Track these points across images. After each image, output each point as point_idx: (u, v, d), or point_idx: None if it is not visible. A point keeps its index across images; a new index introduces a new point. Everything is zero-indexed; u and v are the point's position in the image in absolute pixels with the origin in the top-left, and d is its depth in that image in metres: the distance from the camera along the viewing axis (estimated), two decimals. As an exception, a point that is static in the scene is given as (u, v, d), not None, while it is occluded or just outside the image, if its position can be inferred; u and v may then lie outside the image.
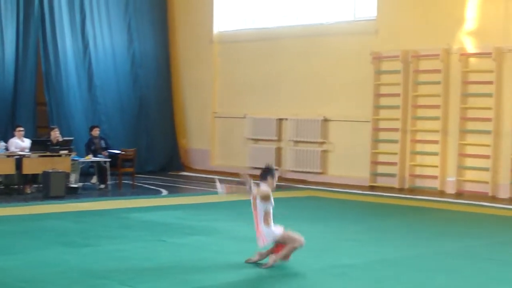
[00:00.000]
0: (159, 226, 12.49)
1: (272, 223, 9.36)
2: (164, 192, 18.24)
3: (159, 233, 11.72)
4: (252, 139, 23.20)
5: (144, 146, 23.47)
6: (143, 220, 13.09)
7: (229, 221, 13.32)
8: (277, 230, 9.32)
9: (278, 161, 22.50)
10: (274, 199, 16.97)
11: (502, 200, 17.91)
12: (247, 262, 9.36)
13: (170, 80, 24.96)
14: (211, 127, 24.45)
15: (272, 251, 9.35)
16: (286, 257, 9.26)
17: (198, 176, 22.69)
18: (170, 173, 23.40)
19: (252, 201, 9.46)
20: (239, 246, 10.81)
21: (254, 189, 9.33)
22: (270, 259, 9.23)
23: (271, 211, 9.41)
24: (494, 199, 18.12)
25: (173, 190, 18.91)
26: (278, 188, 19.49)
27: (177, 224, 12.75)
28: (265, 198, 9.27)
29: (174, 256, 9.88)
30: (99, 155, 18.53)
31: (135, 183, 19.06)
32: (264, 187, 9.36)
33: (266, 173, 9.72)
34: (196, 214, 14.16)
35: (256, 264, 9.26)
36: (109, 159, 18.46)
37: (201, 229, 12.22)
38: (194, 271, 8.93)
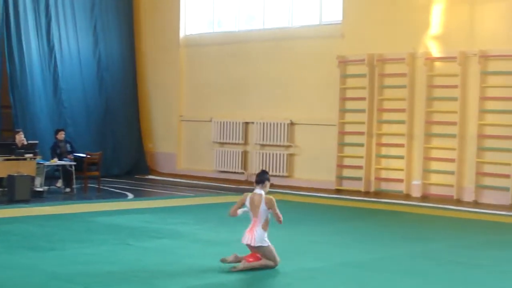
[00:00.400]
0: (124, 229, 12.42)
1: (267, 231, 9.30)
2: (130, 195, 18.15)
3: (125, 236, 11.66)
4: (219, 143, 23.17)
5: (110, 149, 23.34)
6: (109, 224, 13.01)
7: (194, 224, 13.28)
8: (267, 240, 9.26)
9: (245, 165, 22.51)
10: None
11: (466, 203, 18.04)
12: (222, 261, 9.33)
13: (136, 84, 24.85)
14: (177, 131, 24.40)
15: (246, 257, 9.31)
16: (254, 269, 9.23)
17: (165, 180, 22.62)
18: (136, 176, 23.30)
19: (249, 204, 9.29)
20: (205, 249, 10.80)
21: (258, 196, 9.35)
22: (241, 264, 9.21)
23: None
24: (459, 202, 18.25)
25: (139, 194, 18.83)
26: (245, 191, 19.50)
27: (143, 227, 12.68)
28: (271, 205, 9.32)
29: (140, 259, 9.83)
30: (64, 159, 18.41)
31: (101, 187, 18.93)
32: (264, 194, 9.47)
33: (263, 177, 9.74)
34: (162, 217, 14.10)
35: (228, 264, 9.25)
36: (74, 163, 18.33)
37: (167, 233, 12.18)
38: (160, 274, 8.89)
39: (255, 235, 9.24)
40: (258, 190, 9.58)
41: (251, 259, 9.25)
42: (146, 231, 12.32)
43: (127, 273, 8.90)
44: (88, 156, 18.72)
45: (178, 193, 19.31)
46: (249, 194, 9.53)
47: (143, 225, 12.98)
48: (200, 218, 14.11)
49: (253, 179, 21.79)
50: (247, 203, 9.49)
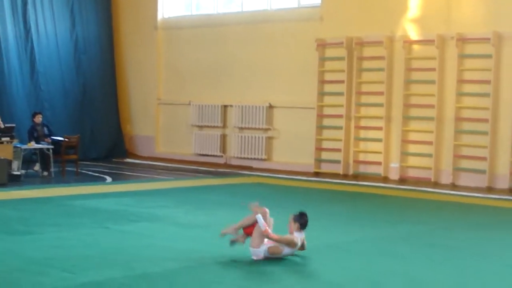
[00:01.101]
0: (103, 213, 12.38)
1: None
2: (108, 179, 18.09)
3: (103, 220, 11.62)
4: (197, 126, 23.14)
5: (88, 133, 23.25)
6: (87, 208, 12.96)
7: (173, 207, 13.27)
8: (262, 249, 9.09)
9: (223, 148, 22.50)
10: (219, 186, 17.03)
11: (444, 186, 18.17)
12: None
13: (114, 67, 24.73)
14: (155, 114, 24.33)
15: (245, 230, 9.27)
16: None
17: (143, 163, 22.58)
18: (114, 160, 23.25)
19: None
20: (183, 232, 10.79)
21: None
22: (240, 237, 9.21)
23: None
24: (436, 184, 18.37)
25: (117, 177, 18.78)
26: (224, 175, 19.56)
27: (121, 211, 12.65)
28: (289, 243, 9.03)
29: (118, 243, 9.81)
30: (41, 142, 18.30)
31: (79, 170, 18.87)
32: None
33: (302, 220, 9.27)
34: (141, 201, 14.08)
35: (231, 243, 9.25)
36: (52, 146, 18.23)
37: (146, 216, 12.16)
38: (138, 258, 8.87)
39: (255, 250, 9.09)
40: (298, 234, 9.15)
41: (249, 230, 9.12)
42: (125, 214, 12.29)
43: (105, 257, 8.87)
44: (66, 139, 18.64)
45: (157, 176, 19.29)
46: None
47: (121, 208, 12.95)
48: (178, 201, 14.10)
49: (232, 162, 21.92)
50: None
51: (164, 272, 8.19)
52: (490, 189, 17.64)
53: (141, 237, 10.31)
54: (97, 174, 19.02)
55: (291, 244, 8.91)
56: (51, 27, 22.81)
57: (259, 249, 8.92)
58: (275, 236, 8.87)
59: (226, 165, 22.08)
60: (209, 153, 22.72)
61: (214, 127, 22.77)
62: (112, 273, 8.01)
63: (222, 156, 22.55)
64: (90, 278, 7.79)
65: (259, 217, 8.91)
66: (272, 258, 8.89)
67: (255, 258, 8.92)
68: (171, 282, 7.75)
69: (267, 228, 8.86)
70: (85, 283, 7.58)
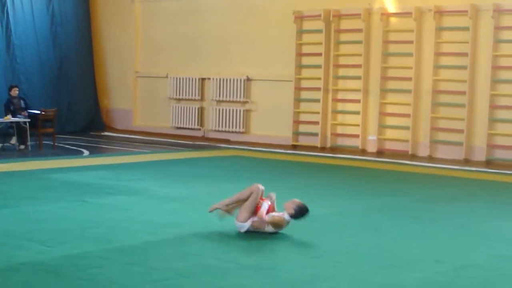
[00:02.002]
0: (80, 186, 12.33)
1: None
2: (86, 152, 18.02)
3: (80, 193, 11.58)
4: (175, 99, 23.07)
5: (65, 106, 23.12)
6: (64, 181, 12.91)
7: (150, 180, 13.23)
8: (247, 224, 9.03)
9: (201, 121, 22.45)
10: (197, 159, 17.00)
11: (421, 158, 18.25)
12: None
13: (91, 39, 24.54)
14: (133, 87, 24.21)
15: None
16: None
17: (120, 136, 22.51)
18: (92, 133, 23.16)
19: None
20: (161, 205, 10.78)
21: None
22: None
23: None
24: (414, 157, 18.45)
25: (94, 151, 18.71)
26: (202, 147, 19.53)
27: (99, 184, 12.61)
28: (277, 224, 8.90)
29: (95, 216, 9.78)
30: (18, 116, 18.18)
31: (56, 144, 18.77)
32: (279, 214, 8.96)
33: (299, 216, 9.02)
34: (118, 174, 14.04)
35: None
36: (28, 120, 18.12)
37: (123, 189, 12.12)
38: (115, 231, 8.87)
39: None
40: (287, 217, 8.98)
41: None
42: (102, 187, 12.25)
43: (82, 230, 8.85)
44: (43, 112, 18.53)
45: (134, 149, 19.24)
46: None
47: (98, 181, 12.90)
48: (156, 175, 14.07)
49: (209, 135, 21.88)
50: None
51: (141, 245, 8.18)
52: (467, 161, 17.74)
53: (118, 210, 10.29)
54: (74, 148, 18.93)
55: (278, 227, 8.87)
56: (27, 0, 22.57)
57: (245, 223, 8.91)
58: (267, 218, 8.82)
59: (204, 138, 22.05)
60: (187, 126, 22.68)
61: (191, 100, 22.71)
62: (89, 247, 8.00)
63: (200, 129, 22.50)
64: (67, 251, 7.78)
65: (266, 204, 8.85)
66: (254, 232, 8.89)
67: (242, 231, 8.91)
68: (149, 255, 7.75)
69: (264, 214, 8.80)
70: (62, 257, 7.56)
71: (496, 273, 7.50)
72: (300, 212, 8.93)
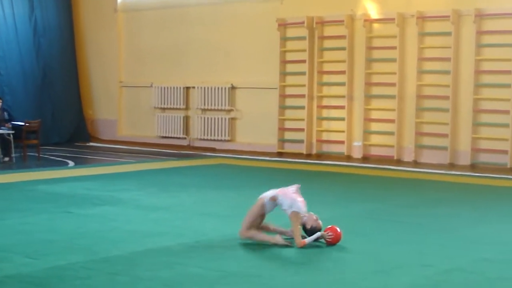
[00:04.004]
0: (65, 197, 12.29)
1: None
2: (71, 163, 17.97)
3: (66, 204, 11.54)
4: (160, 108, 23.05)
5: (50, 117, 23.05)
6: (49, 192, 12.86)
7: (136, 190, 13.21)
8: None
9: (186, 130, 22.44)
10: (183, 168, 16.97)
11: (406, 163, 18.30)
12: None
13: (74, 50, 24.50)
14: (117, 97, 24.18)
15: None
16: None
17: (106, 147, 22.47)
18: (76, 144, 23.10)
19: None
20: (146, 215, 10.75)
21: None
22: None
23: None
24: (399, 162, 18.50)
25: (80, 161, 18.65)
26: (187, 156, 19.50)
27: (84, 195, 12.57)
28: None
29: (81, 227, 9.75)
30: (2, 128, 18.08)
31: (41, 155, 18.70)
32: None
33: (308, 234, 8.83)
34: (103, 184, 14.00)
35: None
36: (12, 131, 18.02)
37: (108, 200, 12.09)
38: (101, 241, 8.84)
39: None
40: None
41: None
42: (87, 198, 12.21)
43: (68, 241, 8.82)
44: (27, 124, 18.46)
45: (120, 159, 19.19)
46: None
47: (84, 192, 12.87)
48: (141, 184, 14.04)
49: (195, 144, 21.86)
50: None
51: (127, 255, 8.16)
52: (452, 166, 17.82)
53: (104, 220, 10.26)
54: (59, 159, 18.87)
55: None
56: (9, 11, 22.50)
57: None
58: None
59: (189, 147, 22.04)
60: (172, 135, 22.66)
61: (176, 109, 22.69)
62: (74, 258, 7.97)
63: (185, 138, 22.49)
64: (52, 263, 7.74)
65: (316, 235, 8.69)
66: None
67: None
68: (134, 265, 7.72)
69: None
70: (47, 268, 7.53)
71: (481, 276, 7.53)
72: (311, 232, 8.78)
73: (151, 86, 23.14)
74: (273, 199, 8.92)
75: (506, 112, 17.28)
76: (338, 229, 8.79)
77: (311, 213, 8.91)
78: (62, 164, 17.74)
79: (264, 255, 8.32)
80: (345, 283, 7.21)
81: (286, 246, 8.64)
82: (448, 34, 17.93)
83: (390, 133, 18.81)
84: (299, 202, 8.85)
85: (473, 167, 17.58)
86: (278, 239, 8.75)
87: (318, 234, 8.66)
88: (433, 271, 7.69)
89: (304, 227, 8.82)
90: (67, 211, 10.95)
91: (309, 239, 8.62)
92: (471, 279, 7.44)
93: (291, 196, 8.86)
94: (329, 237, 8.69)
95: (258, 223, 8.95)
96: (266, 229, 9.04)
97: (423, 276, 7.51)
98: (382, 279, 7.36)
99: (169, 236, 9.22)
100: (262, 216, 8.98)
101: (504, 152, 17.31)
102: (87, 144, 23.32)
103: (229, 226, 9.89)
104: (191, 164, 18.07)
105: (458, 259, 8.19)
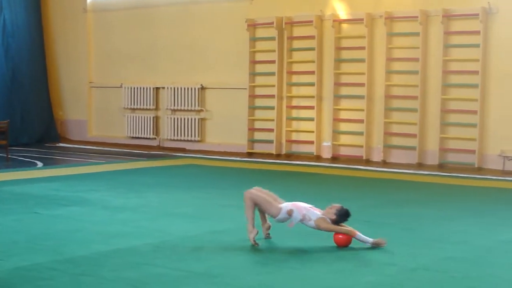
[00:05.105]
0: (32, 198, 12.23)
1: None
2: (40, 164, 17.86)
3: (32, 205, 11.48)
4: (130, 109, 22.98)
5: (19, 118, 22.90)
6: (16, 193, 12.79)
7: (105, 191, 13.16)
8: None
9: (156, 130, 22.39)
10: (152, 168, 16.91)
11: (375, 163, 18.38)
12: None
13: (43, 50, 24.36)
14: (87, 98, 24.08)
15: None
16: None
17: (75, 147, 22.36)
18: (46, 145, 22.96)
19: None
20: (114, 215, 10.73)
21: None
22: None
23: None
24: (368, 162, 18.58)
25: (49, 162, 18.54)
26: (157, 157, 19.44)
27: (52, 196, 12.51)
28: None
29: (47, 228, 9.71)
30: (-30, 128, 17.98)
31: (9, 156, 18.57)
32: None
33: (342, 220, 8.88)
34: (72, 185, 13.93)
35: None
36: (-20, 132, 17.93)
37: (76, 200, 12.05)
38: (67, 241, 8.81)
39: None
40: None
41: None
42: (55, 199, 12.16)
43: (33, 242, 8.78)
44: (-5, 124, 18.34)
45: (89, 160, 19.10)
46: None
47: (52, 193, 12.81)
48: (110, 185, 13.99)
49: (165, 144, 21.78)
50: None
51: (93, 255, 8.14)
52: (420, 165, 17.93)
53: (71, 221, 10.22)
54: (28, 160, 18.76)
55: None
56: (-24, 11, 22.37)
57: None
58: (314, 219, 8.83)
59: (159, 148, 22.00)
60: (142, 136, 22.61)
61: (146, 109, 22.64)
62: (39, 258, 7.93)
63: (155, 139, 22.44)
64: (16, 264, 7.70)
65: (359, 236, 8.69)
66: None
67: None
68: (100, 265, 7.71)
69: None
70: (11, 269, 7.49)
71: (446, 275, 7.59)
72: (341, 217, 8.84)
73: (121, 86, 23.06)
74: (289, 213, 8.91)
75: (474, 112, 17.41)
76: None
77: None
78: (31, 165, 17.64)
79: (229, 255, 8.32)
80: (310, 282, 7.23)
81: (254, 245, 8.68)
82: (416, 34, 18.04)
83: (359, 133, 18.90)
84: (312, 209, 8.91)
85: (441, 166, 17.70)
86: (252, 236, 8.78)
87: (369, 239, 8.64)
88: (398, 270, 7.75)
89: (334, 222, 8.81)
90: (34, 212, 10.90)
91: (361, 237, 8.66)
92: (435, 277, 7.50)
93: (304, 207, 8.92)
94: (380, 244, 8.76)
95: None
96: (264, 223, 9.15)
97: (387, 274, 7.56)
98: (346, 278, 7.41)
99: (135, 236, 9.21)
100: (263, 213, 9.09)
101: (472, 152, 17.44)
102: (57, 144, 23.20)
103: (196, 227, 9.92)
104: (160, 165, 18.04)
105: (423, 258, 8.25)
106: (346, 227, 8.89)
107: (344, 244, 8.75)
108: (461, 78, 17.70)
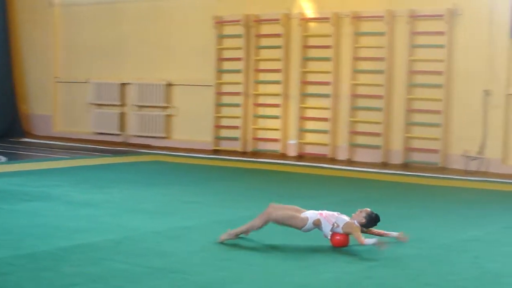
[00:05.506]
0: (-6, 193, 12.14)
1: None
2: (3, 159, 17.70)
3: (-6, 200, 11.40)
4: (96, 104, 22.87)
5: (-18, 113, 22.73)
6: (-22, 188, 12.69)
7: (68, 186, 13.09)
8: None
9: (122, 126, 22.30)
10: (117, 164, 16.84)
11: (340, 162, 18.46)
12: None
13: (8, 44, 24.12)
14: (53, 93, 23.93)
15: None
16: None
17: (40, 143, 22.19)
18: (10, 140, 22.76)
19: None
20: (75, 211, 10.67)
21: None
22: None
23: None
24: (333, 160, 18.65)
25: (12, 157, 18.40)
26: (122, 153, 19.36)
27: (14, 190, 12.42)
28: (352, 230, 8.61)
29: (8, 223, 9.63)
30: None
31: (-28, 151, 18.44)
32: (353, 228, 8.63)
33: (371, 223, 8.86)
34: (35, 180, 13.83)
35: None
36: None
37: (38, 195, 11.97)
38: (27, 237, 8.75)
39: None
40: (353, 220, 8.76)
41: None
42: (17, 194, 12.07)
43: (-7, 237, 8.73)
44: (-42, 119, 18.17)
45: (54, 155, 18.99)
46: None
47: (14, 188, 12.70)
48: (74, 180, 13.91)
49: (131, 140, 21.68)
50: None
51: (53, 250, 8.09)
52: (385, 165, 18.04)
53: (32, 216, 10.15)
54: (-9, 154, 18.62)
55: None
56: None
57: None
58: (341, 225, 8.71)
59: (125, 144, 21.90)
60: (108, 132, 22.51)
61: (112, 105, 22.55)
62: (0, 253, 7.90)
63: (121, 135, 22.36)
64: (-25, 258, 7.65)
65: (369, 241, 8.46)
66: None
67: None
68: (60, 261, 7.67)
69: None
70: (-30, 264, 7.45)
71: (404, 272, 7.65)
72: (371, 221, 8.81)
73: (87, 82, 22.94)
74: (316, 223, 8.81)
75: (438, 112, 17.55)
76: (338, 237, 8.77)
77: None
78: (-6, 160, 17.51)
79: (191, 252, 8.32)
80: (270, 279, 7.25)
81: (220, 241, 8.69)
82: (382, 34, 18.15)
83: (325, 132, 18.97)
84: (340, 216, 8.81)
85: (405, 166, 17.82)
86: (226, 237, 8.75)
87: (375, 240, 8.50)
88: (357, 267, 7.80)
89: (363, 226, 8.75)
90: (-5, 207, 10.82)
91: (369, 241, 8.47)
92: (393, 274, 7.55)
93: (332, 214, 8.83)
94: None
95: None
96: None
97: (346, 272, 7.61)
98: (306, 275, 7.43)
99: (97, 232, 9.17)
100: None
101: (435, 151, 17.59)
102: (21, 139, 23.01)
103: (158, 223, 9.90)
104: (125, 161, 17.98)
105: (381, 255, 8.29)
106: (377, 231, 8.90)
107: (342, 246, 8.72)
108: (426, 78, 17.84)
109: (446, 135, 17.55)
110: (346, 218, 8.79)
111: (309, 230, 8.84)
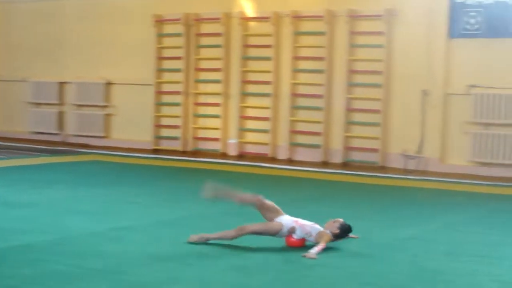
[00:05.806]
0: None
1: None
2: None
3: None
4: (33, 103, 22.54)
5: None
6: None
7: (3, 187, 12.82)
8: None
9: (60, 126, 22.03)
10: (55, 164, 16.62)
11: (281, 161, 18.50)
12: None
13: None
14: (-12, 91, 23.54)
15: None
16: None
17: (-24, 142, 21.80)
18: None
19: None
20: (10, 212, 10.44)
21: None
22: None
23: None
24: (273, 160, 18.69)
25: None
26: (60, 153, 19.11)
27: None
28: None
29: None
30: None
31: None
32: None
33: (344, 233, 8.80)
34: (-30, 181, 13.58)
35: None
36: None
37: (-27, 196, 11.74)
38: (-38, 239, 8.58)
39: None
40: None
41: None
42: (-49, 195, 11.83)
43: None
44: None
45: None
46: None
47: None
48: (9, 181, 13.65)
49: (69, 140, 21.43)
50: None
51: (-12, 252, 7.94)
52: (325, 164, 18.12)
53: (-34, 217, 9.95)
54: None
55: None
56: None
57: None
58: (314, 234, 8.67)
59: (63, 143, 21.62)
60: (46, 131, 22.21)
61: (50, 104, 22.25)
62: None
63: (59, 134, 22.08)
64: None
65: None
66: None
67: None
68: (-6, 263, 7.53)
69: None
70: None
71: (342, 271, 7.67)
72: (344, 232, 8.76)
73: (25, 80, 22.60)
74: (291, 231, 8.70)
75: (377, 111, 17.71)
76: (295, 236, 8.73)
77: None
78: None
79: (130, 252, 8.23)
80: (207, 279, 7.19)
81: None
82: (322, 33, 18.24)
83: (265, 131, 19.00)
84: (314, 225, 8.75)
85: (345, 165, 17.94)
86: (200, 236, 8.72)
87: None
88: (296, 267, 7.79)
89: (336, 237, 8.71)
90: None
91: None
92: (331, 273, 7.56)
93: (308, 224, 8.75)
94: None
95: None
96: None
97: (285, 271, 7.60)
98: (244, 276, 7.40)
99: (33, 233, 9.01)
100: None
101: (375, 150, 17.74)
102: (-44, 139, 22.59)
103: (96, 223, 9.77)
104: (64, 161, 17.76)
105: (322, 254, 8.29)
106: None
107: (296, 246, 8.68)
108: (366, 77, 17.98)
109: (385, 134, 17.72)
110: (319, 227, 8.77)
111: (282, 236, 8.77)
